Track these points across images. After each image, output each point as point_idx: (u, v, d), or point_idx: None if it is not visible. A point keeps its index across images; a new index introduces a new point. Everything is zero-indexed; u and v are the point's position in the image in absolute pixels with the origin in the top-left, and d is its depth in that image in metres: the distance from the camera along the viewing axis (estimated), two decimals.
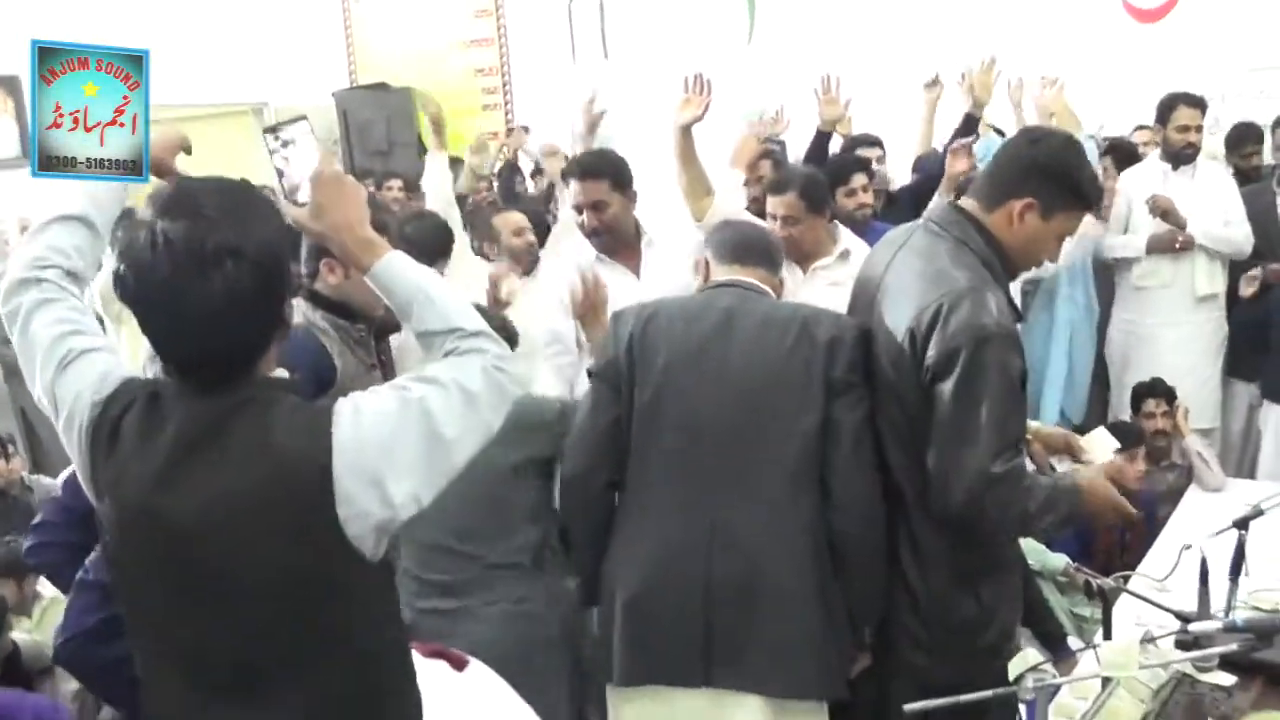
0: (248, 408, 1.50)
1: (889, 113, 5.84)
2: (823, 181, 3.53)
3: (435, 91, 8.78)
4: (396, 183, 6.55)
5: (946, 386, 2.11)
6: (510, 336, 2.44)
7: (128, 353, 5.30)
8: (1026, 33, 6.20)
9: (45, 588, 3.75)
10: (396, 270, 1.59)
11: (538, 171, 7.36)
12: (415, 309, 1.58)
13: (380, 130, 8.47)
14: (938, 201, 2.56)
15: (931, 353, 2.13)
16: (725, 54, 6.87)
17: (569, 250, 3.59)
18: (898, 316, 2.22)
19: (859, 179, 4.15)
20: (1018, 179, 2.23)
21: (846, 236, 3.57)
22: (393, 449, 1.48)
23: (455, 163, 7.72)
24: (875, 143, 5.07)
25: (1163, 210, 4.61)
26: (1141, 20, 6.50)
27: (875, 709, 2.35)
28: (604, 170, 3.32)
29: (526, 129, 8.00)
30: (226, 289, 1.43)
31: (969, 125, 4.58)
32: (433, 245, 3.52)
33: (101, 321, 2.72)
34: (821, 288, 3.31)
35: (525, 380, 1.65)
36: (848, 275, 3.00)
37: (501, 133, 8.59)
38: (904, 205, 4.40)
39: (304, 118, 1.66)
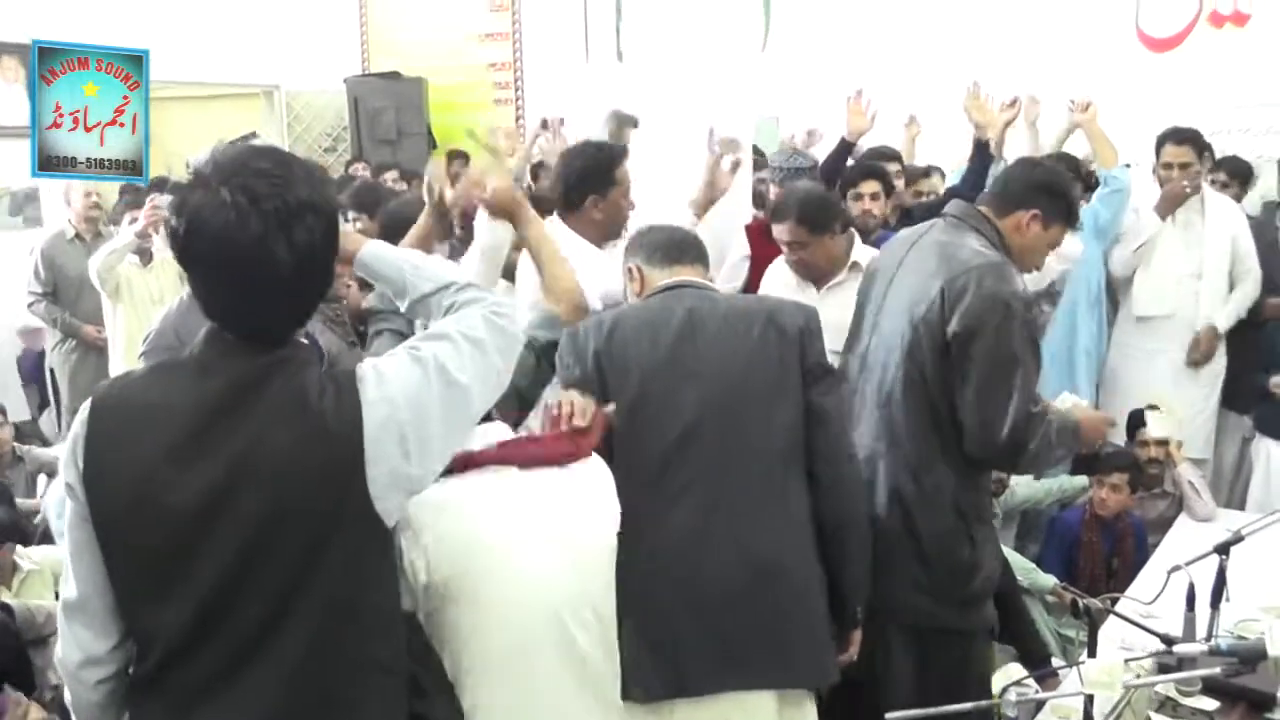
0: (284, 367, 1.53)
1: (899, 123, 5.84)
2: (822, 199, 3.43)
3: (447, 84, 8.85)
4: (392, 174, 6.68)
5: (981, 346, 2.46)
6: None
7: (124, 332, 5.33)
8: (1039, 60, 6.21)
9: (22, 560, 3.76)
10: (379, 253, 1.73)
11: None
12: (406, 279, 1.71)
13: (390, 119, 8.47)
14: (956, 201, 2.75)
15: (960, 317, 2.47)
16: (740, 59, 6.87)
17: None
18: (924, 286, 2.54)
19: (869, 185, 4.11)
20: (1026, 193, 2.65)
21: (859, 248, 3.50)
22: (417, 407, 1.53)
23: (460, 155, 7.74)
24: (894, 157, 5.05)
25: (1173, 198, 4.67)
26: (1155, 50, 6.51)
27: (871, 663, 2.52)
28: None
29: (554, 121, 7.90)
30: (309, 243, 1.48)
31: (981, 152, 4.56)
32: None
33: None
34: (834, 309, 3.04)
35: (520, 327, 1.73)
36: (847, 293, 3.08)
37: (514, 127, 8.61)
38: (917, 222, 4.37)
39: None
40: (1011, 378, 2.46)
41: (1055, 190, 2.66)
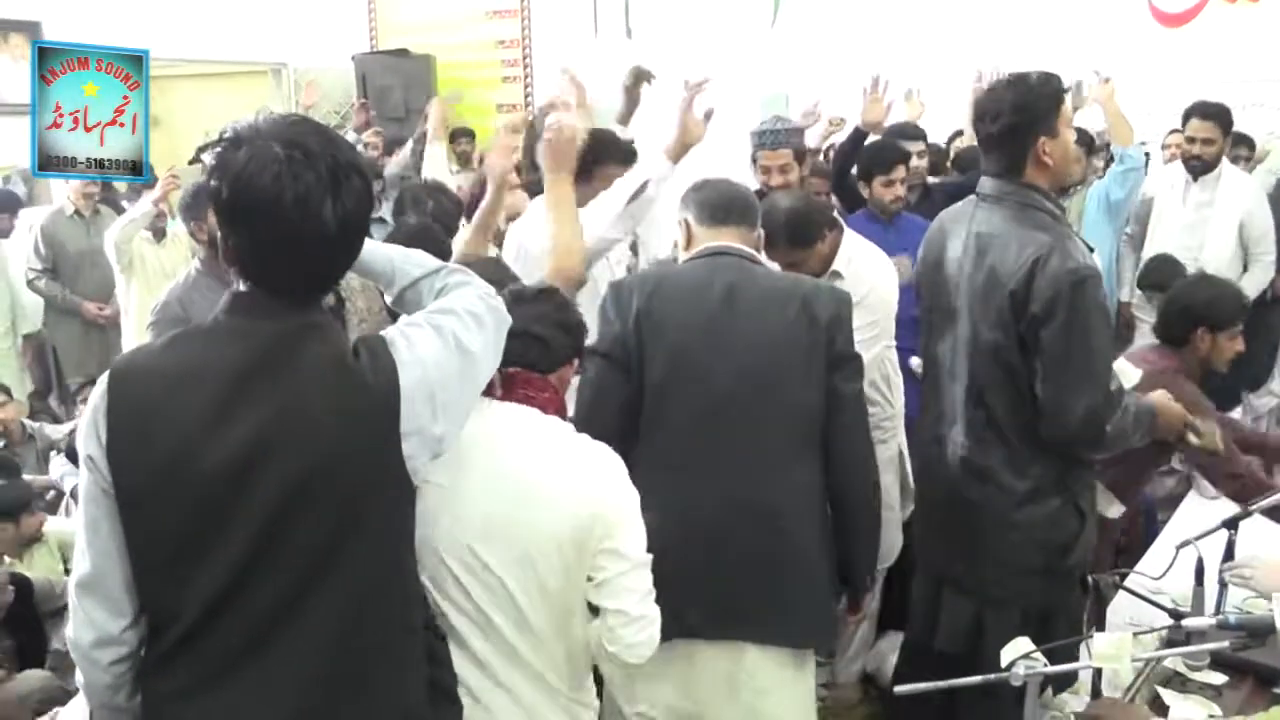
0: (318, 331, 1.56)
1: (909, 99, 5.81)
2: (805, 215, 3.30)
3: (456, 61, 8.83)
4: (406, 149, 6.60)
5: (1054, 328, 2.38)
6: None
7: (136, 306, 5.34)
8: (1052, 35, 6.17)
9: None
10: (366, 249, 1.69)
11: None
12: (394, 268, 1.73)
13: (398, 96, 8.45)
14: (985, 179, 2.61)
15: (1034, 304, 2.39)
16: (749, 38, 6.84)
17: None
18: (994, 281, 2.46)
19: (900, 171, 4.16)
20: (1015, 141, 2.48)
21: (843, 254, 3.41)
22: (442, 370, 1.59)
23: (466, 133, 7.72)
24: (919, 136, 5.03)
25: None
26: (1168, 25, 6.46)
27: (971, 645, 2.57)
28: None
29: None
30: (356, 203, 1.52)
31: None
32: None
33: None
34: None
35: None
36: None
37: (520, 106, 8.58)
38: (937, 203, 4.35)
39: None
40: (1086, 357, 2.39)
41: (1028, 108, 2.45)
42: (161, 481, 1.49)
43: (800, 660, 2.48)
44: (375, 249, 1.72)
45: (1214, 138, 4.71)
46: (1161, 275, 4.59)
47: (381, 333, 1.61)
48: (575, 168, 3.07)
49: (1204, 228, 4.76)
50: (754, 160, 4.01)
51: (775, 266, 3.36)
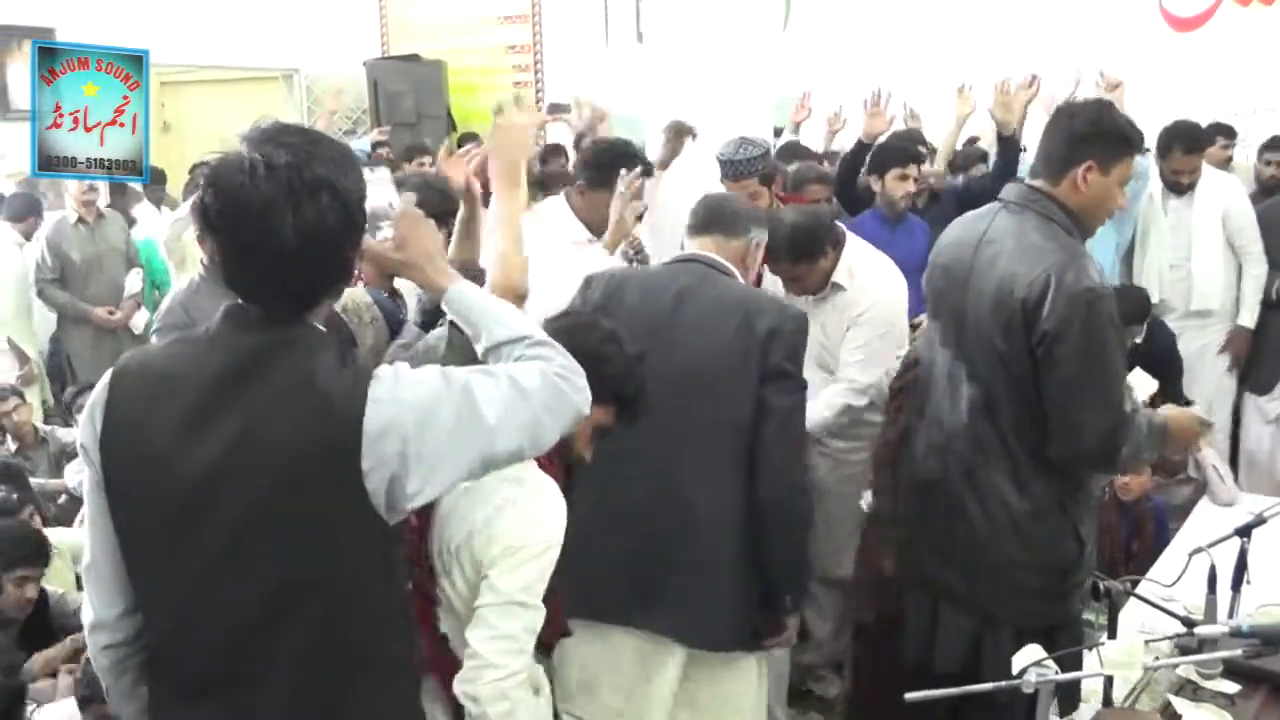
0: (294, 347, 1.52)
1: (920, 106, 5.81)
2: (810, 230, 3.27)
3: (467, 67, 8.84)
4: (427, 159, 6.58)
5: (1068, 347, 2.33)
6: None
7: None
8: (1063, 40, 6.15)
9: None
10: (469, 294, 1.73)
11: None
12: (486, 324, 1.69)
13: (409, 102, 8.47)
14: (1012, 184, 2.60)
15: (1047, 320, 2.34)
16: (760, 41, 6.83)
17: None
18: (1005, 290, 2.41)
19: (914, 169, 4.26)
20: (1072, 148, 2.44)
21: (844, 266, 3.36)
22: (426, 419, 1.49)
23: (473, 139, 7.73)
24: (921, 141, 5.08)
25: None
26: (1179, 29, 6.44)
27: (970, 663, 2.50)
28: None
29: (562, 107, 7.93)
30: (318, 221, 1.46)
31: (1007, 144, 4.52)
32: None
33: None
34: (818, 322, 3.19)
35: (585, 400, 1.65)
36: (831, 308, 3.32)
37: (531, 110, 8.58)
38: (948, 206, 4.36)
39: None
40: (1100, 377, 2.35)
41: (1101, 130, 2.43)
42: (144, 481, 1.53)
43: (709, 664, 2.55)
44: (473, 298, 1.72)
45: (1197, 168, 4.78)
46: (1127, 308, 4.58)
47: (381, 366, 1.55)
48: (587, 174, 3.10)
49: (1186, 230, 4.80)
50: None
51: (776, 279, 3.36)
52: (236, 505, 1.48)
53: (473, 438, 1.51)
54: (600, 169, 3.36)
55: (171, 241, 5.38)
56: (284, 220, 1.44)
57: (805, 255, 3.23)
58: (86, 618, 1.65)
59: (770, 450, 2.44)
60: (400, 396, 1.48)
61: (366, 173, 1.71)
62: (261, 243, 1.46)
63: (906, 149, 4.44)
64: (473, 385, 1.52)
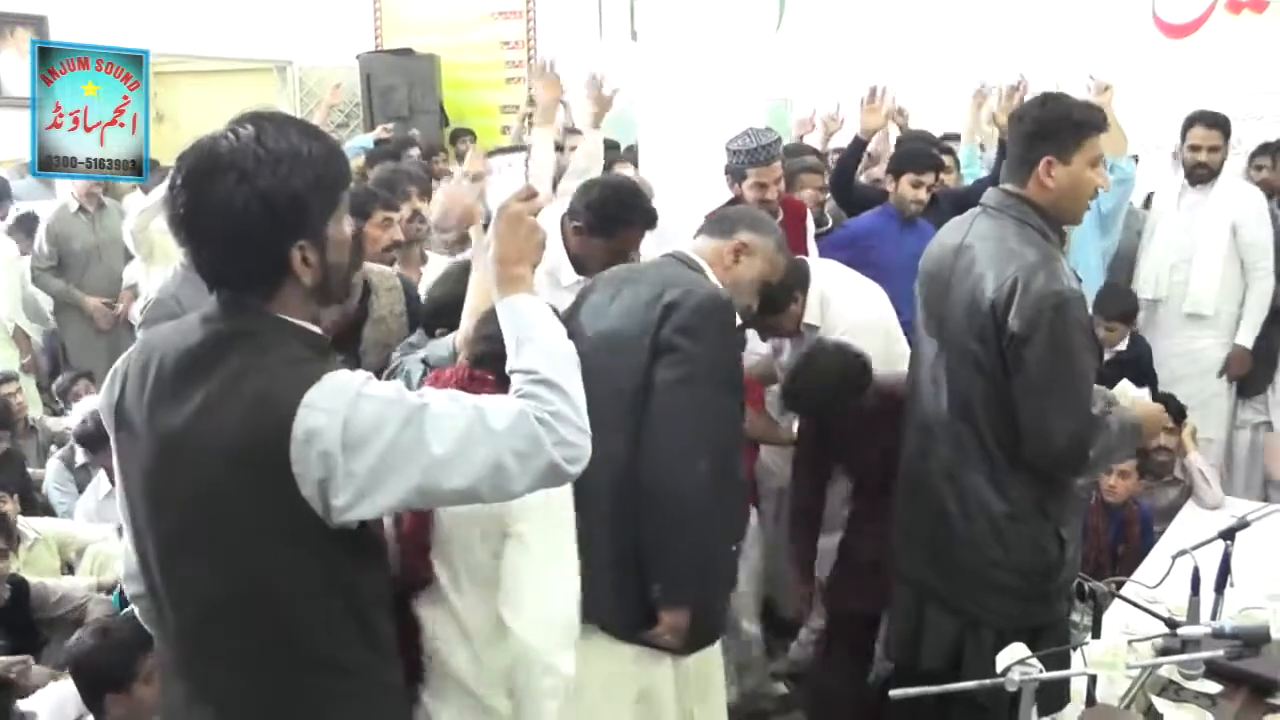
0: (252, 338, 1.49)
1: (914, 106, 5.82)
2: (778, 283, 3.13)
3: (460, 61, 8.83)
4: (415, 151, 6.60)
5: (1036, 349, 2.33)
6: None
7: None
8: (1056, 46, 6.17)
9: (27, 529, 3.76)
10: (521, 309, 1.63)
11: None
12: (516, 346, 1.60)
13: (402, 96, 8.46)
14: (991, 189, 2.60)
15: (1014, 320, 2.34)
16: (754, 40, 6.83)
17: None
18: (978, 293, 2.42)
19: (931, 177, 4.26)
20: (1027, 149, 2.47)
21: (812, 304, 3.37)
22: (360, 435, 1.41)
23: (466, 134, 7.73)
24: (950, 151, 5.09)
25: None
26: (1171, 36, 6.47)
27: (954, 662, 2.50)
28: None
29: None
30: (223, 207, 1.42)
31: (1005, 147, 4.56)
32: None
33: None
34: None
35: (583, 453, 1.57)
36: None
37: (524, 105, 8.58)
38: (944, 209, 4.37)
39: (525, 149, 1.66)
40: (1068, 380, 2.34)
41: (1048, 124, 2.44)
42: (126, 447, 1.58)
43: (655, 657, 2.46)
44: (527, 316, 1.63)
45: (1218, 145, 4.73)
46: (1115, 305, 4.66)
47: (341, 372, 1.47)
48: (589, 220, 3.11)
49: (1194, 230, 4.78)
50: (741, 178, 3.73)
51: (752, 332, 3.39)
52: (185, 488, 1.49)
53: (412, 466, 1.43)
54: (605, 220, 3.14)
55: (139, 231, 5.32)
56: (192, 197, 1.44)
57: (772, 309, 3.19)
58: (121, 569, 1.76)
59: (653, 429, 2.35)
60: (335, 407, 1.41)
61: (506, 161, 1.69)
62: (183, 216, 1.45)
63: (931, 157, 4.40)
64: (428, 413, 1.44)
